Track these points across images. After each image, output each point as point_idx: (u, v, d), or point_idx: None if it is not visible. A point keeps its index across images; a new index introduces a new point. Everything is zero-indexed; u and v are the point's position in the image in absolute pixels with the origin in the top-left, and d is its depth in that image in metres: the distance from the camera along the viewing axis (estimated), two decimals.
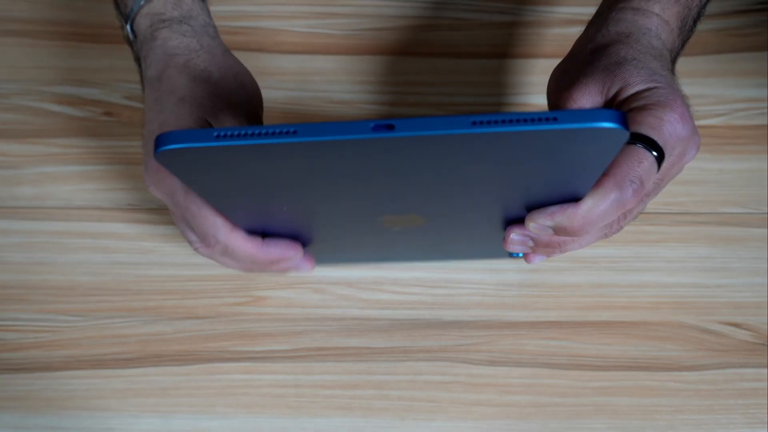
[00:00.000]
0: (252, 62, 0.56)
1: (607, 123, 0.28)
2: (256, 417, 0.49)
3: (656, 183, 0.37)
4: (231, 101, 0.40)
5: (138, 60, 0.43)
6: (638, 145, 0.35)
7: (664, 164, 0.36)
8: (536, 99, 0.54)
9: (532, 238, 0.39)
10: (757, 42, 0.57)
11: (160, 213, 0.52)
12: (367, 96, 0.55)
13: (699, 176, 0.54)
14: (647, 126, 0.35)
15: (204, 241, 0.40)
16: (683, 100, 0.36)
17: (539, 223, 0.37)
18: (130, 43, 0.43)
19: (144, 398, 0.49)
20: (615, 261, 0.52)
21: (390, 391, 0.49)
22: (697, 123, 0.56)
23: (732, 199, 0.53)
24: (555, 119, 0.28)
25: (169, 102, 0.39)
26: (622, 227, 0.40)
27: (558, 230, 0.37)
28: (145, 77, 0.42)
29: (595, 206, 0.35)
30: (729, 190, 0.53)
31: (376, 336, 0.50)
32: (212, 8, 0.58)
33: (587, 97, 0.37)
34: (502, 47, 0.56)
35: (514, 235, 0.39)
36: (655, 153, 0.35)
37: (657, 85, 0.36)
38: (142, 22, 0.42)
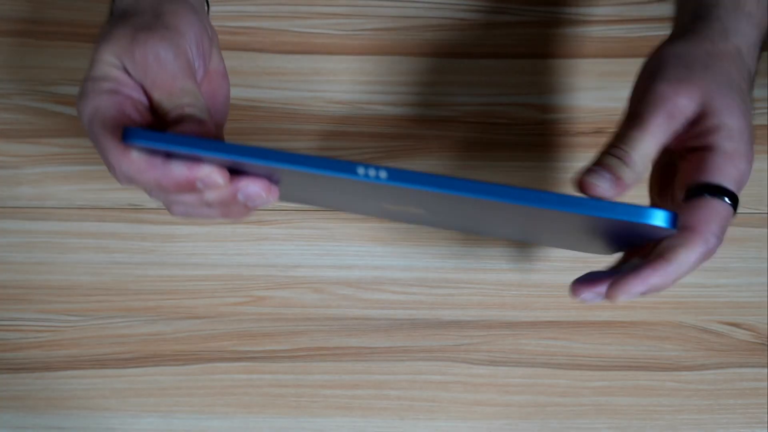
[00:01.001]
0: (252, 62, 0.56)
1: (659, 222, 0.32)
2: (256, 417, 0.49)
3: None
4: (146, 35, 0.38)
5: None
6: (722, 200, 0.36)
7: None
8: (537, 99, 0.54)
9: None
10: None
11: (160, 213, 0.52)
12: (367, 96, 0.55)
13: None
14: (729, 178, 0.36)
15: (110, 172, 0.38)
16: (752, 141, 0.38)
17: (632, 293, 0.36)
18: None
19: (144, 398, 0.49)
20: (614, 261, 0.52)
21: (390, 391, 0.49)
22: None
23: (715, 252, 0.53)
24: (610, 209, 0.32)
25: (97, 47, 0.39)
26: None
27: (648, 292, 0.37)
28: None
29: (685, 262, 0.36)
30: None
31: (376, 336, 0.50)
32: (213, 8, 0.58)
33: (690, 98, 0.36)
34: (503, 47, 0.56)
35: (587, 295, 0.39)
36: (732, 203, 0.36)
37: (741, 125, 0.37)
38: None
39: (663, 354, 0.50)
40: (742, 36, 0.39)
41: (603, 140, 0.38)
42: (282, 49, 0.57)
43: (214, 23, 0.57)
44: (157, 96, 0.38)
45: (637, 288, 0.36)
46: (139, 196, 0.53)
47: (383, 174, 0.31)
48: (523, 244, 0.52)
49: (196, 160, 0.35)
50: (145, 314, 0.51)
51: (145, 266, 0.52)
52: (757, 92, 0.55)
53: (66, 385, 0.49)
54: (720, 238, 0.36)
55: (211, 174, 0.35)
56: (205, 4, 0.46)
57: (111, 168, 0.37)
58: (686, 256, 0.36)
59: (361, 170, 0.31)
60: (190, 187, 0.36)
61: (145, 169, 0.36)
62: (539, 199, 0.31)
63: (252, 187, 0.37)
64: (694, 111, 0.36)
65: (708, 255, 0.36)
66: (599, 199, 0.33)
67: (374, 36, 0.57)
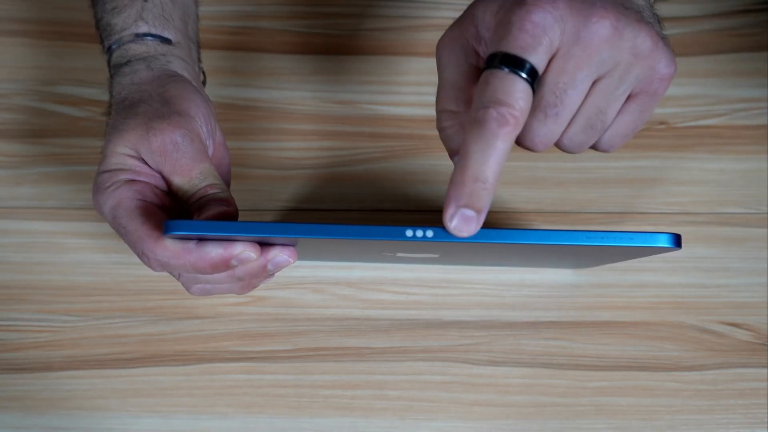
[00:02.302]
0: (252, 62, 0.56)
1: (665, 244, 0.35)
2: (256, 417, 0.49)
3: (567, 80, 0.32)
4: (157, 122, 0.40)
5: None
6: (491, 68, 0.31)
7: (569, 62, 0.32)
8: None
9: None
10: (757, 42, 0.57)
11: None
12: (368, 96, 0.55)
13: (699, 176, 0.54)
14: (496, 40, 0.31)
15: (141, 259, 0.39)
16: None
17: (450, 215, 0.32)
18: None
19: (144, 398, 0.49)
20: None
21: (390, 391, 0.49)
22: (697, 123, 0.56)
23: (732, 199, 0.53)
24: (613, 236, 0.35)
25: (110, 136, 0.40)
26: (605, 123, 0.35)
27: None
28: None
29: (465, 151, 0.31)
30: (729, 190, 0.53)
31: (376, 336, 0.50)
32: (213, 8, 0.58)
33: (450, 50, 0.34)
34: None
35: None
36: (506, 67, 0.31)
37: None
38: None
39: (663, 354, 0.50)
40: None
41: None
42: (282, 49, 0.57)
43: (214, 23, 0.57)
44: (178, 181, 0.39)
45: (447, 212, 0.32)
46: None
47: (430, 233, 0.34)
48: None
49: (230, 239, 0.36)
50: (145, 314, 0.51)
51: (145, 267, 0.51)
52: (758, 92, 0.55)
53: (66, 385, 0.49)
54: (494, 104, 0.30)
55: (245, 251, 0.37)
56: (202, 74, 0.47)
57: (143, 256, 0.38)
58: (465, 144, 0.31)
59: (409, 233, 0.34)
60: (225, 265, 0.37)
61: (180, 254, 0.37)
62: (569, 238, 0.35)
63: (281, 257, 0.38)
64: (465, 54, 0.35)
65: (488, 133, 0.30)
66: (610, 231, 0.35)
67: (374, 36, 0.57)
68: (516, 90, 0.30)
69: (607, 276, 0.51)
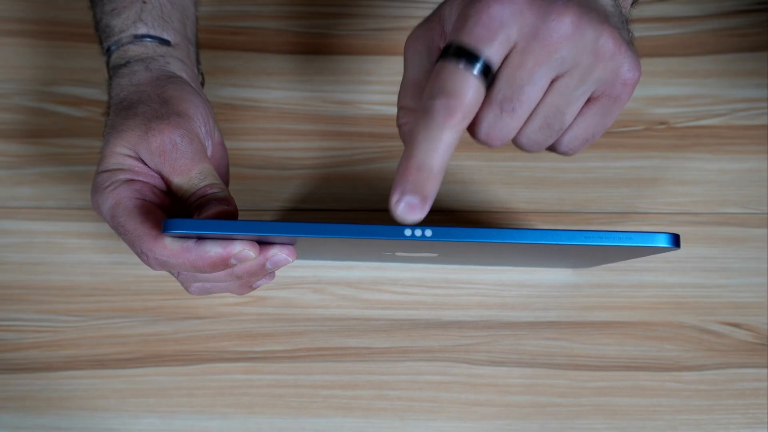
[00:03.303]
0: (252, 62, 0.56)
1: (664, 244, 0.35)
2: (256, 417, 0.49)
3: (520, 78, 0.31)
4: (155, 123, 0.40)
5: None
6: (444, 59, 0.31)
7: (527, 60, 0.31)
8: None
9: None
10: (757, 42, 0.57)
11: None
12: (367, 96, 0.55)
13: (699, 176, 0.54)
14: (453, 32, 0.31)
15: (143, 260, 0.39)
16: None
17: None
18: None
19: (144, 398, 0.49)
20: None
21: (390, 391, 0.49)
22: (697, 123, 0.56)
23: (732, 199, 0.53)
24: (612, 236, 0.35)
25: (109, 137, 0.40)
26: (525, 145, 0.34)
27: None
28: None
29: (413, 139, 0.31)
30: (729, 190, 0.53)
31: (376, 336, 0.50)
32: (213, 8, 0.58)
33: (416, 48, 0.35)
34: None
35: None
36: (458, 59, 0.30)
37: None
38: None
39: (663, 354, 0.50)
40: None
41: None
42: (282, 49, 0.57)
43: (214, 23, 0.57)
44: (177, 181, 0.39)
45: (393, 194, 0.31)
46: None
47: (428, 233, 0.35)
48: None
49: (229, 238, 0.36)
50: (145, 314, 0.51)
51: (145, 266, 0.51)
52: (758, 92, 0.55)
53: (66, 385, 0.49)
54: (442, 96, 0.30)
55: (243, 250, 0.37)
56: (200, 75, 0.47)
57: (142, 255, 0.38)
58: (412, 133, 0.31)
59: (408, 232, 0.35)
60: (224, 264, 0.37)
61: (179, 253, 0.37)
62: (568, 238, 0.35)
63: (280, 255, 0.38)
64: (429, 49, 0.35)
65: (434, 124, 0.30)
66: (609, 231, 0.35)
67: (374, 36, 0.57)
68: (466, 83, 0.30)
69: (607, 276, 0.51)
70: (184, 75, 0.43)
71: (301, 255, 0.44)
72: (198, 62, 0.47)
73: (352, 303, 0.51)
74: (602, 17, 0.32)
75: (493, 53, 0.30)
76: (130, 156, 0.39)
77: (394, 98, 0.56)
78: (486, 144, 0.33)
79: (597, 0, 0.33)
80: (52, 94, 0.55)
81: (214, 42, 0.56)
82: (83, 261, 0.52)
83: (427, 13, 0.57)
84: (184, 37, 0.45)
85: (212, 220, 0.36)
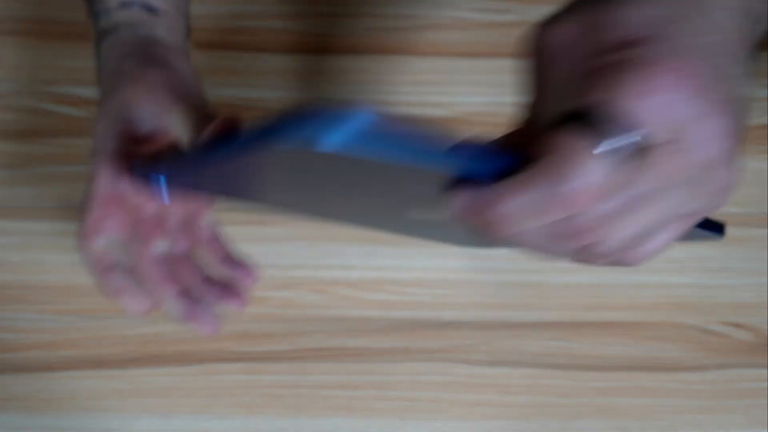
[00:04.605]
0: (253, 62, 0.56)
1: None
2: (255, 417, 0.49)
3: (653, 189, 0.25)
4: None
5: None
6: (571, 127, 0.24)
7: (668, 166, 0.24)
8: None
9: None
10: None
11: None
12: (368, 96, 0.55)
13: None
14: (623, 96, 0.23)
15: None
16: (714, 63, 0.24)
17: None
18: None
19: (144, 398, 0.49)
20: None
21: (390, 391, 0.49)
22: None
23: (732, 199, 0.53)
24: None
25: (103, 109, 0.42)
26: (594, 257, 0.28)
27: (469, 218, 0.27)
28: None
29: (507, 192, 0.25)
30: None
31: (376, 336, 0.50)
32: (214, 8, 0.58)
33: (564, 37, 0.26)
34: (503, 47, 0.56)
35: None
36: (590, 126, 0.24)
37: (661, 33, 0.24)
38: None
39: (663, 354, 0.50)
40: None
41: None
42: (282, 49, 0.57)
43: (214, 23, 0.57)
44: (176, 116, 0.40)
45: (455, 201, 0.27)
46: None
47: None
48: None
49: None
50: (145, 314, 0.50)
51: None
52: (758, 92, 0.55)
53: (66, 385, 0.49)
54: (580, 193, 0.24)
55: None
56: (186, 47, 0.46)
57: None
58: (513, 186, 0.25)
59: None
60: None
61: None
62: None
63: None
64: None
65: (557, 203, 0.25)
66: None
67: (374, 36, 0.57)
68: (601, 180, 0.24)
69: (607, 276, 0.51)
70: (169, 43, 0.44)
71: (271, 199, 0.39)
72: (188, 33, 0.47)
73: (352, 303, 0.51)
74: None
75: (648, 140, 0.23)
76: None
77: (394, 98, 0.56)
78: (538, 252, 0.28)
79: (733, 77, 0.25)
80: (52, 94, 0.55)
81: (214, 42, 0.56)
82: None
83: (427, 12, 0.56)
84: (174, 7, 0.45)
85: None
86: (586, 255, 0.28)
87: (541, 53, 0.28)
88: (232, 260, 0.43)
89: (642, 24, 0.24)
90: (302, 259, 0.52)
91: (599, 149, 0.23)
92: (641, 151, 0.24)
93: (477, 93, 0.55)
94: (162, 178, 0.36)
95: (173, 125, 0.39)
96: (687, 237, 0.30)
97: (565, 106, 0.25)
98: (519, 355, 0.50)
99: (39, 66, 0.56)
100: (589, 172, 0.24)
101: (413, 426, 0.49)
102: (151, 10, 0.44)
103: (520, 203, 0.25)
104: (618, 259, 0.28)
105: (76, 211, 0.41)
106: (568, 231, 0.26)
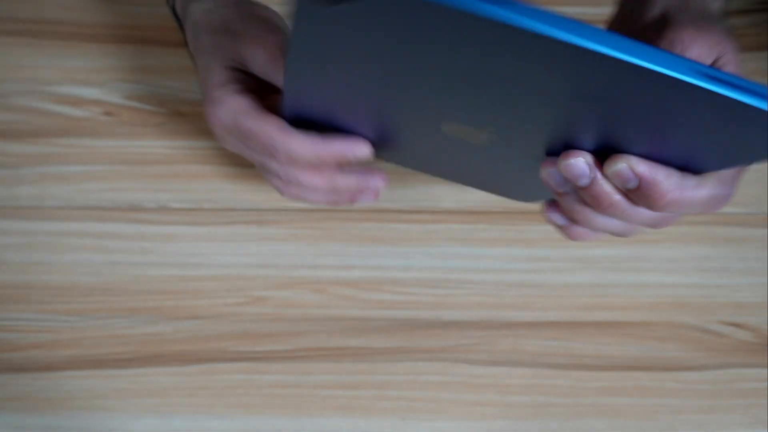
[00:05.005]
0: None
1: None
2: (256, 417, 0.49)
3: None
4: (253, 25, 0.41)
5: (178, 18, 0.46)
6: None
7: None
8: None
9: (578, 188, 0.32)
10: (757, 42, 0.57)
11: (160, 213, 0.52)
12: None
13: None
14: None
15: (270, 160, 0.40)
16: None
17: (634, 169, 0.30)
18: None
19: (144, 398, 0.49)
20: (615, 261, 0.52)
21: (390, 391, 0.49)
22: None
23: (732, 199, 0.53)
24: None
25: (205, 41, 0.42)
26: (668, 224, 0.35)
27: (641, 191, 0.31)
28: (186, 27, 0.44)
29: (699, 190, 0.31)
30: None
31: (376, 336, 0.50)
32: None
33: (697, 48, 0.32)
34: None
35: (582, 161, 0.31)
36: None
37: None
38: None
39: (663, 354, 0.50)
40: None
41: None
42: None
43: None
44: (274, 76, 0.40)
45: (641, 167, 0.30)
46: (140, 196, 0.53)
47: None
48: (523, 244, 0.52)
49: (351, 125, 0.37)
50: (145, 314, 0.50)
51: (145, 266, 0.52)
52: None
53: (66, 385, 0.49)
54: (734, 186, 0.32)
55: (363, 149, 0.39)
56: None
57: (272, 151, 0.39)
58: (714, 187, 0.31)
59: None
60: (343, 158, 0.39)
61: (308, 145, 0.39)
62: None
63: (380, 183, 0.43)
64: (709, 63, 0.33)
65: (718, 203, 0.31)
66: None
67: None
68: None
69: (607, 276, 0.51)
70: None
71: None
72: None
73: (352, 303, 0.51)
74: None
75: None
76: (237, 69, 0.40)
77: None
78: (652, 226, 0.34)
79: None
80: (52, 94, 0.55)
81: None
82: (83, 261, 0.52)
83: None
84: None
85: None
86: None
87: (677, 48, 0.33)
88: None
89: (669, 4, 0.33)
90: (302, 259, 0.52)
91: None
92: None
93: None
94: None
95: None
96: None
97: None
98: (519, 355, 0.50)
99: (39, 66, 0.56)
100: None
101: (413, 426, 0.49)
102: None
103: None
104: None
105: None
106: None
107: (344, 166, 0.41)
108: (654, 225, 0.34)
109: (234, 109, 0.39)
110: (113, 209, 0.53)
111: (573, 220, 0.35)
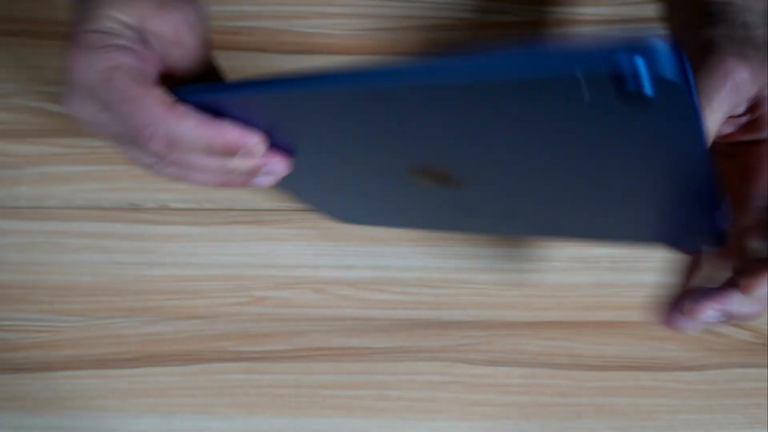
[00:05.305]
0: (252, 62, 0.56)
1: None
2: (256, 417, 0.49)
3: None
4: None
5: None
6: None
7: None
8: None
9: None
10: None
11: (160, 213, 0.52)
12: None
13: None
14: None
15: (144, 141, 0.33)
16: None
17: (705, 315, 0.32)
18: None
19: (144, 398, 0.49)
20: (615, 261, 0.52)
21: (390, 391, 0.49)
22: None
23: None
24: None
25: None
26: None
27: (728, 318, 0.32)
28: None
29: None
30: None
31: (376, 336, 0.50)
32: (213, 8, 0.58)
33: (748, 75, 0.32)
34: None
35: (712, 311, 0.33)
36: None
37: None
38: None
39: (663, 354, 0.50)
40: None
41: None
42: (282, 49, 0.57)
43: (214, 23, 0.57)
44: (187, 68, 0.34)
45: (707, 309, 0.32)
46: (140, 196, 0.53)
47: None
48: (522, 244, 0.52)
49: (246, 116, 0.33)
50: (145, 314, 0.50)
51: (145, 266, 0.52)
52: None
53: (66, 385, 0.49)
54: None
55: (258, 144, 0.34)
56: None
57: (146, 128, 0.32)
58: None
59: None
60: (234, 150, 0.33)
61: (196, 126, 0.32)
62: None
63: (280, 165, 0.36)
64: (753, 92, 0.32)
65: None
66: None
67: (374, 36, 0.57)
68: None
69: (607, 276, 0.51)
70: None
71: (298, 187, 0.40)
72: None
73: (352, 303, 0.51)
74: None
75: None
76: (132, 28, 0.33)
77: None
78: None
79: None
80: (52, 94, 0.55)
81: (214, 42, 0.56)
82: (83, 261, 0.52)
83: (426, 12, 0.56)
84: None
85: (236, 82, 0.31)
86: None
87: (728, 73, 0.32)
88: None
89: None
90: (302, 259, 0.52)
91: None
92: None
93: None
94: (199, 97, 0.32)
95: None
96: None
97: None
98: (518, 355, 0.50)
99: (39, 66, 0.56)
100: None
101: (413, 426, 0.49)
102: None
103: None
104: None
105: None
106: None
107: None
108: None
109: (112, 62, 0.32)
110: (113, 209, 0.53)
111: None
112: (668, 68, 0.21)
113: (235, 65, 0.56)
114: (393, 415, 0.49)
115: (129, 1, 0.33)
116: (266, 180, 0.37)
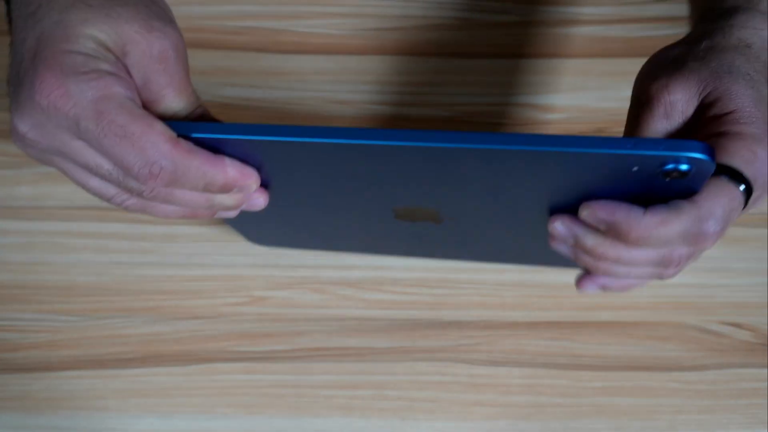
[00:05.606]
0: (252, 62, 0.56)
1: (695, 153, 0.28)
2: (256, 417, 0.49)
3: None
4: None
5: None
6: (731, 182, 0.32)
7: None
8: (538, 99, 0.54)
9: (576, 237, 0.34)
10: None
11: None
12: (368, 96, 0.55)
13: None
14: (741, 159, 0.32)
15: (144, 178, 0.31)
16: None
17: (595, 215, 0.32)
18: None
19: (144, 398, 0.49)
20: None
21: (390, 391, 0.49)
22: None
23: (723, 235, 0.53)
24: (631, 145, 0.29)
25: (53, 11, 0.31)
26: (678, 271, 0.35)
27: (611, 231, 0.33)
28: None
29: (665, 221, 0.31)
30: None
31: (376, 336, 0.50)
32: (213, 8, 0.58)
33: (683, 92, 0.34)
34: (504, 47, 0.56)
35: (559, 224, 0.34)
36: (740, 184, 0.32)
37: (758, 114, 0.33)
38: None
39: (663, 354, 0.50)
40: (753, 30, 0.36)
41: None
42: (282, 49, 0.57)
43: (214, 23, 0.57)
44: (173, 96, 0.33)
45: (601, 212, 0.32)
46: None
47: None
48: None
49: (244, 154, 0.33)
50: (145, 314, 0.50)
51: (145, 266, 0.52)
52: None
53: (66, 385, 0.49)
54: (719, 232, 0.32)
55: (253, 184, 0.34)
56: None
57: (151, 165, 0.30)
58: (670, 216, 0.31)
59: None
60: (231, 187, 0.33)
61: (202, 162, 0.31)
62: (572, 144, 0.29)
63: (260, 200, 0.36)
64: (693, 104, 0.34)
65: (695, 239, 0.32)
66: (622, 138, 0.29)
67: (374, 36, 0.57)
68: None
69: None
70: None
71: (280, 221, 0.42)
72: None
73: (352, 303, 0.51)
74: None
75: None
76: (112, 50, 0.31)
77: (395, 98, 0.56)
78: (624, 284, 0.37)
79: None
80: None
81: (214, 42, 0.56)
82: (83, 261, 0.52)
83: (426, 12, 0.56)
84: None
85: (243, 124, 0.32)
86: (664, 275, 0.35)
87: (659, 100, 0.34)
88: None
89: (748, 102, 0.33)
90: (302, 259, 0.52)
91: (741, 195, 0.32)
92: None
93: (477, 93, 0.55)
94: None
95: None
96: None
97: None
98: (519, 355, 0.50)
99: None
100: (735, 214, 0.32)
101: (413, 426, 0.49)
102: None
103: (673, 230, 0.31)
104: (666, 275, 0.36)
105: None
106: (671, 259, 0.34)
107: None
108: (660, 273, 0.35)
109: (102, 92, 0.29)
110: (113, 209, 0.52)
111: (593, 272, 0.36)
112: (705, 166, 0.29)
113: (235, 65, 0.56)
114: (393, 415, 0.49)
115: (109, 20, 0.30)
116: (235, 213, 0.36)
